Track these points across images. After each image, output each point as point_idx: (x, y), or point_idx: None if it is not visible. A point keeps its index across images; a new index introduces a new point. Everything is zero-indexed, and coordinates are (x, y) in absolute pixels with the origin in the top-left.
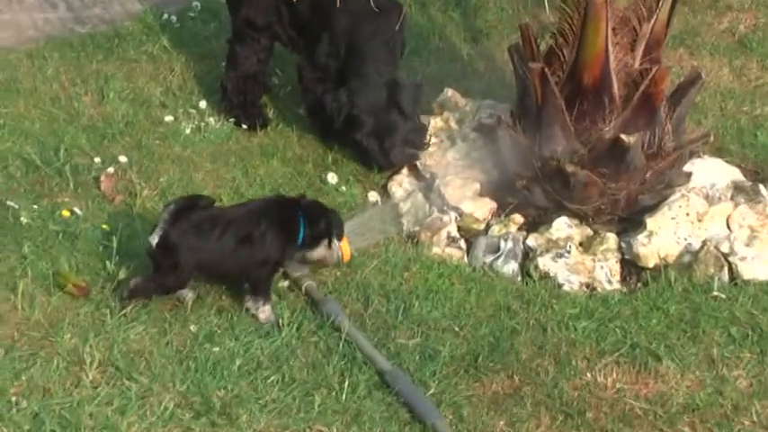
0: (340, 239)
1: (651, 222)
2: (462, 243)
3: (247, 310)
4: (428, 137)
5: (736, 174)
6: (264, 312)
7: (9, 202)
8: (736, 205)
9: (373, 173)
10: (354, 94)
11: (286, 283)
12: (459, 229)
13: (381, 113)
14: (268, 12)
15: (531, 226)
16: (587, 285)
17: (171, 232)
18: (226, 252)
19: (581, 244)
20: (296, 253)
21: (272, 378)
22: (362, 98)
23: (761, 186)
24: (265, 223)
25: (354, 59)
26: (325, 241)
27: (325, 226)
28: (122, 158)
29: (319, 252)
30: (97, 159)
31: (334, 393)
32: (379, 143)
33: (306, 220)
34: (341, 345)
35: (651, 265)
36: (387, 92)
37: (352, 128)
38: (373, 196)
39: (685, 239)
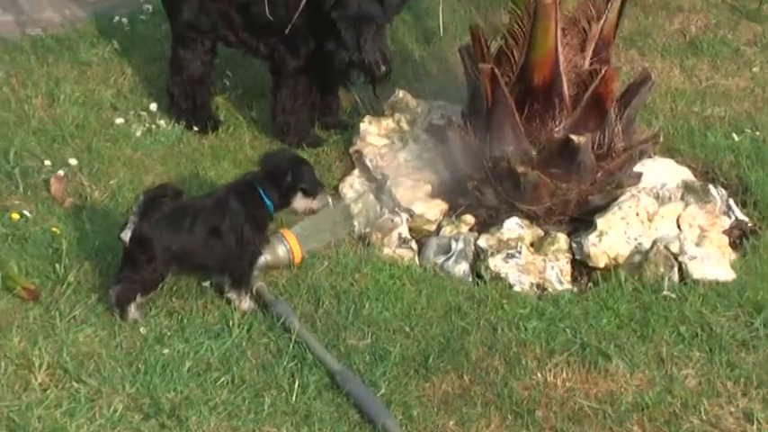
0: (313, 182)
1: (602, 222)
2: (413, 244)
3: (229, 301)
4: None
5: (686, 174)
6: (246, 302)
7: None
8: (687, 205)
9: (324, 175)
10: None
11: None
12: (411, 230)
13: None
14: (211, 15)
15: (482, 227)
16: (538, 286)
17: (142, 225)
18: (198, 242)
19: (532, 244)
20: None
21: (222, 379)
22: None
23: (711, 186)
24: (230, 216)
25: None
26: (298, 193)
27: (291, 179)
28: (72, 161)
29: (300, 203)
30: (47, 162)
31: (284, 394)
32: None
33: (266, 190)
34: (291, 346)
35: (602, 265)
36: None
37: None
38: None
39: (636, 239)
